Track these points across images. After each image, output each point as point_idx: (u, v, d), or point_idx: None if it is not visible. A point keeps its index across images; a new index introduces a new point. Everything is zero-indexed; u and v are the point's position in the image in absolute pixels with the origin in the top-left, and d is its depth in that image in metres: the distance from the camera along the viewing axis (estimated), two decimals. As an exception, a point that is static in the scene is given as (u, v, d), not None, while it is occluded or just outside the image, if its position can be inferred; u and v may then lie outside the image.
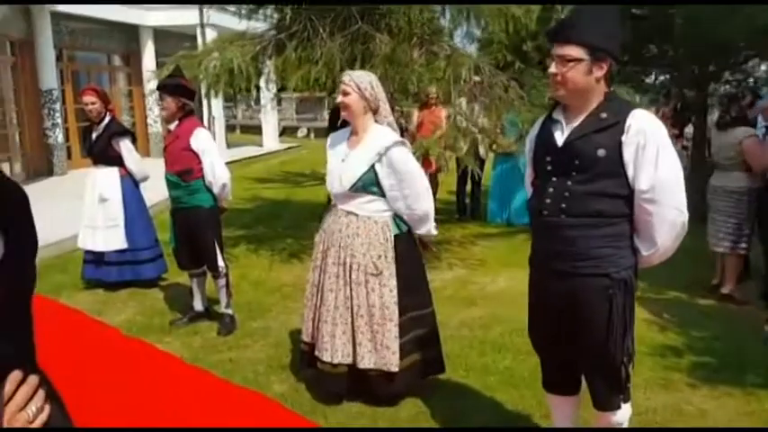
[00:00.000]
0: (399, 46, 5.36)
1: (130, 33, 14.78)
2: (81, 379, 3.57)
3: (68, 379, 3.54)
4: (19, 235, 0.97)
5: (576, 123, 2.21)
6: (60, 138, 12.34)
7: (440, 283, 5.17)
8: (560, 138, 2.24)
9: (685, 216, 2.18)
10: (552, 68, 2.16)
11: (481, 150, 6.58)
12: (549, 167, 2.26)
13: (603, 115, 2.16)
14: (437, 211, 3.41)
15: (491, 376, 3.61)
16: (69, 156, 12.85)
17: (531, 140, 2.42)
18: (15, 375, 0.94)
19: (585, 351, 2.32)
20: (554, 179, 2.24)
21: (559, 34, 2.16)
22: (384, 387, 2.99)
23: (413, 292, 3.07)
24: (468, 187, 8.18)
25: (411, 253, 3.12)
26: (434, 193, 4.55)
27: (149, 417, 3.15)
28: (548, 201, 2.24)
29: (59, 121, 12.29)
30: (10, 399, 0.93)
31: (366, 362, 2.96)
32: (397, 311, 2.96)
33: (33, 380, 0.96)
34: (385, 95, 3.07)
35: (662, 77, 9.29)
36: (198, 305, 4.58)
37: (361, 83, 2.97)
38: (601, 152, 2.13)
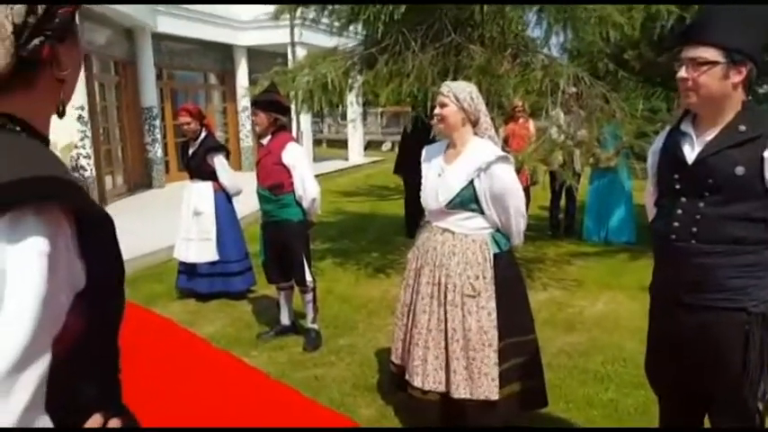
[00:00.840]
0: (494, 57, 5.18)
1: (225, 53, 15.35)
2: (172, 389, 3.59)
3: (160, 389, 3.57)
4: (101, 263, 0.88)
5: (709, 137, 1.95)
6: (159, 152, 12.94)
7: (534, 305, 4.86)
8: (690, 153, 1.98)
9: None
10: (682, 73, 1.91)
11: (577, 164, 6.29)
12: (676, 186, 2.01)
13: (742, 127, 1.89)
14: (528, 227, 3.20)
15: (594, 410, 3.34)
16: (167, 170, 13.44)
17: (653, 154, 2.17)
18: (96, 420, 0.85)
19: (715, 394, 2.04)
20: (683, 200, 1.99)
21: (691, 34, 1.92)
22: (481, 418, 2.79)
23: (514, 316, 2.85)
24: (563, 202, 7.83)
25: (512, 273, 2.91)
26: (526, 208, 4.33)
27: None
28: (676, 224, 1.99)
29: (158, 136, 12.90)
30: None
31: (461, 391, 2.76)
32: (496, 336, 2.75)
33: (115, 424, 0.86)
34: (485, 107, 2.89)
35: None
36: (285, 319, 4.56)
37: (459, 94, 2.81)
38: (739, 170, 1.87)
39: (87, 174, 9.17)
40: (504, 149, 3.05)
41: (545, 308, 5.00)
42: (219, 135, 14.91)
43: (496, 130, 7.75)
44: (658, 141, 2.18)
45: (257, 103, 4.30)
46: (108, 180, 11.09)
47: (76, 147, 7.95)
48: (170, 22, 12.80)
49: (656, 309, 2.19)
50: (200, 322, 4.86)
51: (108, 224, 0.91)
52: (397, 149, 9.10)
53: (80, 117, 8.81)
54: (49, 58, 0.90)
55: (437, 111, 2.88)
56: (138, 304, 5.26)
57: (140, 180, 12.53)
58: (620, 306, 5.08)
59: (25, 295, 0.77)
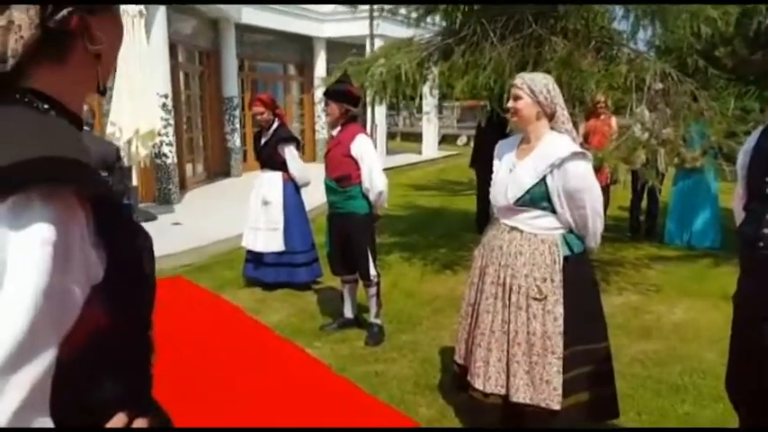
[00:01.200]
0: (577, 50, 4.96)
1: (305, 44, 15.58)
2: (237, 375, 3.65)
3: (225, 373, 3.63)
4: (121, 253, 0.83)
5: None
6: (238, 142, 13.28)
7: (608, 310, 4.64)
8: None
9: None
10: (782, 67, 1.74)
11: (660, 164, 5.98)
12: (768, 190, 1.84)
13: None
14: (606, 227, 3.03)
15: (669, 423, 3.16)
16: (245, 159, 13.79)
17: (744, 154, 2.00)
18: (120, 419, 0.81)
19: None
20: None
21: (794, 24, 1.75)
22: (541, 424, 2.67)
23: (583, 322, 2.69)
24: (644, 203, 7.46)
25: (584, 277, 2.76)
26: (605, 208, 4.12)
27: (293, 422, 3.12)
28: (765, 231, 1.82)
29: (238, 126, 13.23)
30: None
31: (521, 395, 2.65)
32: (561, 343, 2.62)
33: (140, 424, 0.82)
34: (563, 101, 2.75)
35: None
36: (348, 312, 4.55)
37: (534, 86, 2.68)
38: None
39: (169, 161, 9.51)
40: (583, 146, 2.90)
41: (620, 313, 4.78)
42: (296, 126, 15.14)
43: (576, 126, 7.51)
44: (751, 140, 2.00)
45: (329, 94, 4.29)
46: (188, 168, 11.48)
47: (159, 134, 8.24)
48: (253, 14, 13.08)
49: (739, 319, 2.02)
50: (265, 311, 4.93)
51: (120, 209, 0.85)
52: (472, 144, 8.95)
53: (164, 105, 9.13)
54: (78, 30, 0.85)
55: (510, 103, 2.77)
56: (209, 290, 5.41)
57: (219, 168, 12.91)
58: (700, 314, 4.79)
59: (23, 287, 0.70)
